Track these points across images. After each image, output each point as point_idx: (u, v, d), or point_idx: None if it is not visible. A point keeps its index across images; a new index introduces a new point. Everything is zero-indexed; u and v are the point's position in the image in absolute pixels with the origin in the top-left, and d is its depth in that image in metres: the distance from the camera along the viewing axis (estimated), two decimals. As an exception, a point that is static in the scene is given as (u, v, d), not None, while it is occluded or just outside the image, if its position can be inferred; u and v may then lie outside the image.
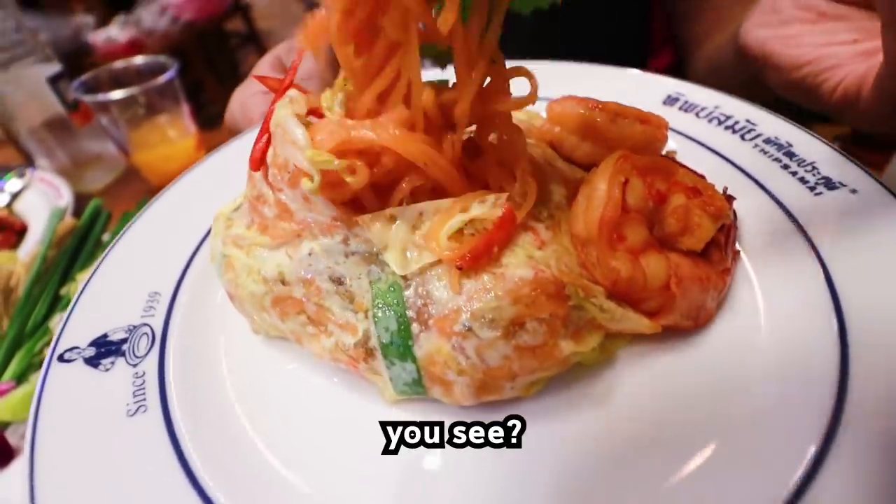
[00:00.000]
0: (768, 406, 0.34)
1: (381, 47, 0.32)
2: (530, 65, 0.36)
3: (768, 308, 0.40)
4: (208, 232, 0.48)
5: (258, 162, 0.36)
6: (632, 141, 0.43)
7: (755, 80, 0.63)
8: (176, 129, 1.02)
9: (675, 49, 1.06)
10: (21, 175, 1.03)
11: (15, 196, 1.01)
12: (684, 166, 0.48)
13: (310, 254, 0.35)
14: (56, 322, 0.69)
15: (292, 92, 0.35)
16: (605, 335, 0.38)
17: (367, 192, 0.34)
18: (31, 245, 0.88)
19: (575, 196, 0.40)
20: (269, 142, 0.36)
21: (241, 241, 0.38)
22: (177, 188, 0.55)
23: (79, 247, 0.82)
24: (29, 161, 1.11)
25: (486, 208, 0.34)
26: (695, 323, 0.40)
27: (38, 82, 1.00)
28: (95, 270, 0.45)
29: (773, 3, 0.53)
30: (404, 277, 0.34)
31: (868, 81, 0.43)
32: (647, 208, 0.39)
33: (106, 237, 0.85)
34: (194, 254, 0.48)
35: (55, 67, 1.01)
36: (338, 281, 0.35)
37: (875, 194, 0.43)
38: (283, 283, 0.36)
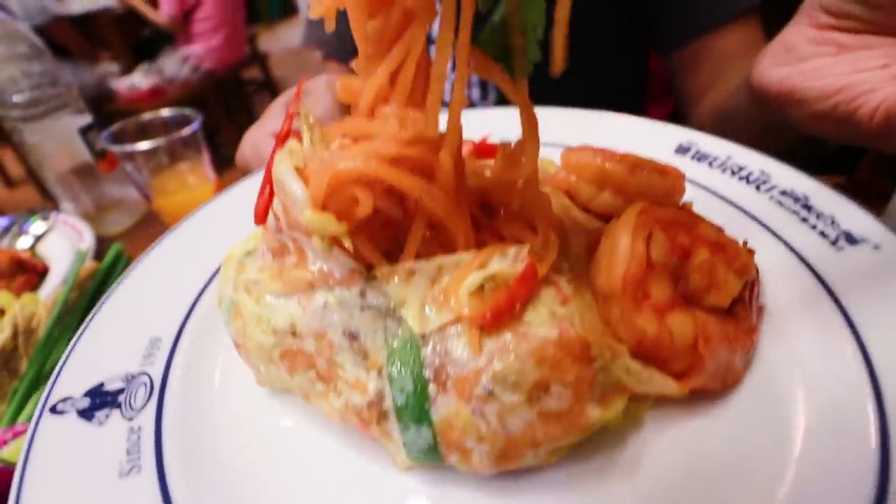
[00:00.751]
0: (808, 476, 0.31)
1: (398, 12, 0.29)
2: (540, 112, 0.34)
3: (798, 369, 0.38)
4: (214, 274, 0.47)
5: (262, 216, 0.35)
6: (650, 193, 0.43)
7: (769, 128, 0.61)
8: (196, 176, 1.04)
9: (675, 99, 1.05)
10: (46, 218, 1.05)
11: (38, 238, 1.02)
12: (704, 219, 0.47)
13: (324, 306, 0.33)
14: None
15: (292, 143, 0.34)
16: (630, 398, 0.35)
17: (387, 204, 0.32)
18: (52, 287, 0.87)
19: (594, 247, 0.39)
20: (272, 195, 0.35)
21: (252, 287, 0.37)
22: (183, 229, 0.54)
23: (99, 289, 0.82)
24: (54, 204, 1.12)
25: (506, 262, 0.33)
26: (723, 385, 0.37)
27: (70, 132, 1.03)
28: (95, 314, 0.43)
29: (784, 44, 0.51)
30: (422, 335, 0.32)
31: None
32: (672, 263, 0.37)
33: (125, 280, 0.84)
34: (199, 297, 0.47)
35: (86, 119, 1.05)
36: (352, 336, 0.33)
37: (898, 251, 0.41)
38: (294, 335, 0.34)
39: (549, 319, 0.32)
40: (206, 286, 0.48)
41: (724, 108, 0.76)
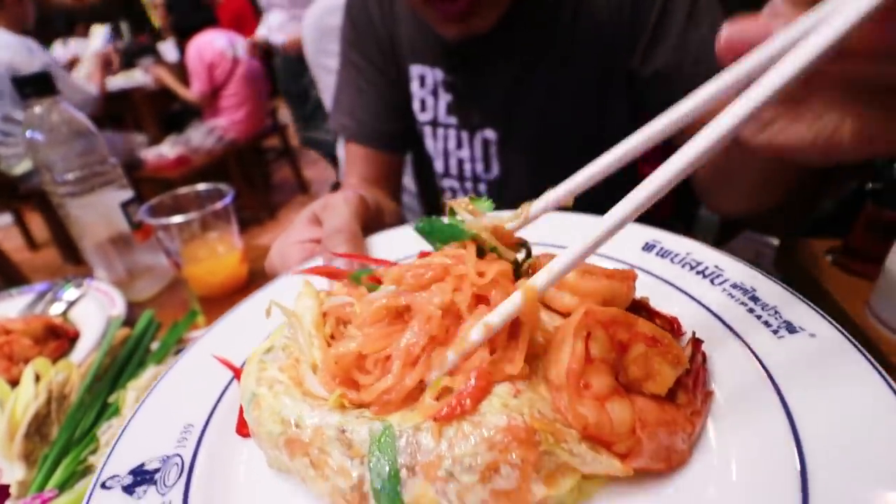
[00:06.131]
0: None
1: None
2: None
3: (737, 450, 0.44)
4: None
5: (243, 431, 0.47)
6: (599, 295, 0.52)
7: (766, 179, 0.68)
8: (224, 245, 1.17)
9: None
10: (79, 285, 1.18)
11: (71, 304, 1.13)
12: (653, 311, 0.55)
13: (328, 409, 0.44)
14: (102, 430, 0.75)
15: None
16: (582, 476, 0.42)
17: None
18: (83, 352, 0.97)
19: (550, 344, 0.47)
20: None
21: (275, 385, 0.47)
22: (218, 329, 0.66)
23: (130, 355, 0.90)
24: (76, 267, 1.27)
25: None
26: (668, 465, 0.44)
27: (112, 206, 1.19)
28: (140, 405, 0.54)
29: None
30: (399, 430, 0.41)
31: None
32: (611, 358, 0.45)
33: (155, 346, 0.94)
34: (225, 389, 0.57)
35: (128, 194, 1.21)
36: (341, 430, 0.42)
37: (831, 338, 0.48)
38: (298, 426, 0.44)
39: (500, 409, 0.41)
40: (231, 380, 0.58)
41: (718, 165, 0.84)
